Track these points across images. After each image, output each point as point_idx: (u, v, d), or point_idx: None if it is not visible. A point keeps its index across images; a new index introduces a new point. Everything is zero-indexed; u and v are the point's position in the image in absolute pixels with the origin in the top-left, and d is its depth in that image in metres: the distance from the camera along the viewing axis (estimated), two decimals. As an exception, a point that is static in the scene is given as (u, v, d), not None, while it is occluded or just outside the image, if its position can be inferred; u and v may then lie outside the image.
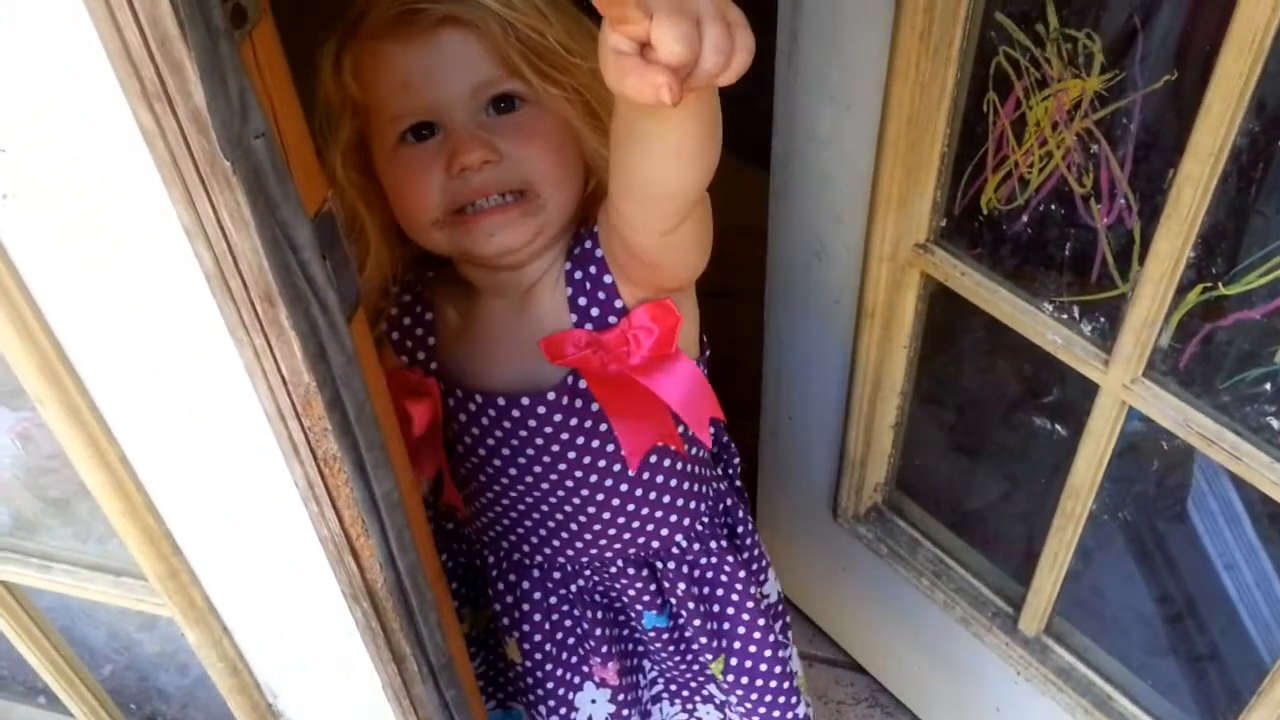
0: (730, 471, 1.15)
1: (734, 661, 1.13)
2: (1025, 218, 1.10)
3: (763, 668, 1.14)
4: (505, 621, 1.10)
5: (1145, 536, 1.43)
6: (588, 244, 0.91)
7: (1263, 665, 1.20)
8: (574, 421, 0.95)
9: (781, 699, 1.16)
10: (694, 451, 1.05)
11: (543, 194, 0.88)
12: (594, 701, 1.15)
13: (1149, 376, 1.06)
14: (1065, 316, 1.11)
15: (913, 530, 1.50)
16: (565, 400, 0.94)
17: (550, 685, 1.13)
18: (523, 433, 0.96)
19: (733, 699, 1.17)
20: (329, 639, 0.77)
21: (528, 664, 1.12)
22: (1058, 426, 1.29)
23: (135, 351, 0.61)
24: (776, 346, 1.48)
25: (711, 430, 1.05)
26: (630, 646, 1.16)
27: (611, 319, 0.90)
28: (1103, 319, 1.08)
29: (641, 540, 1.05)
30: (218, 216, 0.50)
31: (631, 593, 1.08)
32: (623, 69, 0.58)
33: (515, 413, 0.94)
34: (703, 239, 0.85)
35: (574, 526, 1.03)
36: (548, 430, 0.95)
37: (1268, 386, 1.01)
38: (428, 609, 0.75)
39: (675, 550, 1.07)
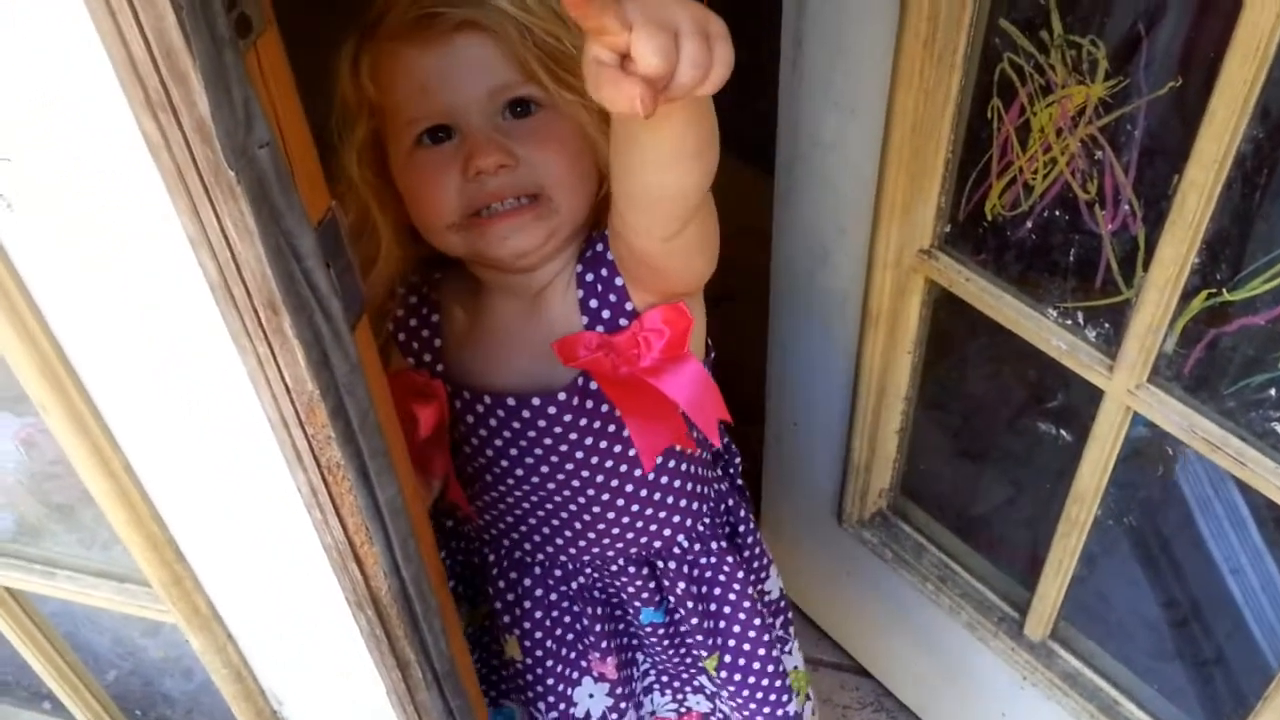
0: (732, 471, 1.15)
1: (727, 659, 1.13)
2: (1030, 223, 1.10)
3: (755, 666, 1.14)
4: (506, 619, 1.11)
5: (1150, 541, 1.43)
6: (599, 247, 0.91)
7: (1269, 670, 1.20)
8: (583, 422, 0.95)
9: (773, 696, 1.17)
10: (698, 452, 1.05)
11: (556, 198, 0.89)
12: (591, 696, 1.15)
13: (1154, 382, 1.05)
14: (1070, 322, 1.11)
15: (918, 535, 1.49)
16: (576, 401, 0.94)
17: (550, 681, 1.13)
18: (532, 433, 0.96)
19: (724, 694, 1.18)
20: (333, 646, 0.78)
21: (528, 661, 1.12)
22: (1062, 432, 1.29)
23: (138, 358, 0.61)
24: (780, 352, 1.48)
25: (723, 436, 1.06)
26: (626, 640, 1.16)
27: (622, 321, 0.91)
28: (1107, 324, 1.08)
29: (644, 540, 1.05)
30: (222, 226, 0.50)
31: (631, 590, 1.09)
32: (601, 78, 0.58)
33: (525, 413, 0.95)
34: (707, 244, 0.85)
35: (578, 525, 1.03)
36: (557, 430, 0.95)
37: (1272, 392, 1.01)
38: (432, 615, 0.75)
39: (677, 550, 1.07)
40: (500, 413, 0.96)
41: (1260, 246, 0.93)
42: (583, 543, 1.05)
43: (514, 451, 0.98)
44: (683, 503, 1.05)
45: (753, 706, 1.17)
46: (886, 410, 1.37)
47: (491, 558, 1.10)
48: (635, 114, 0.57)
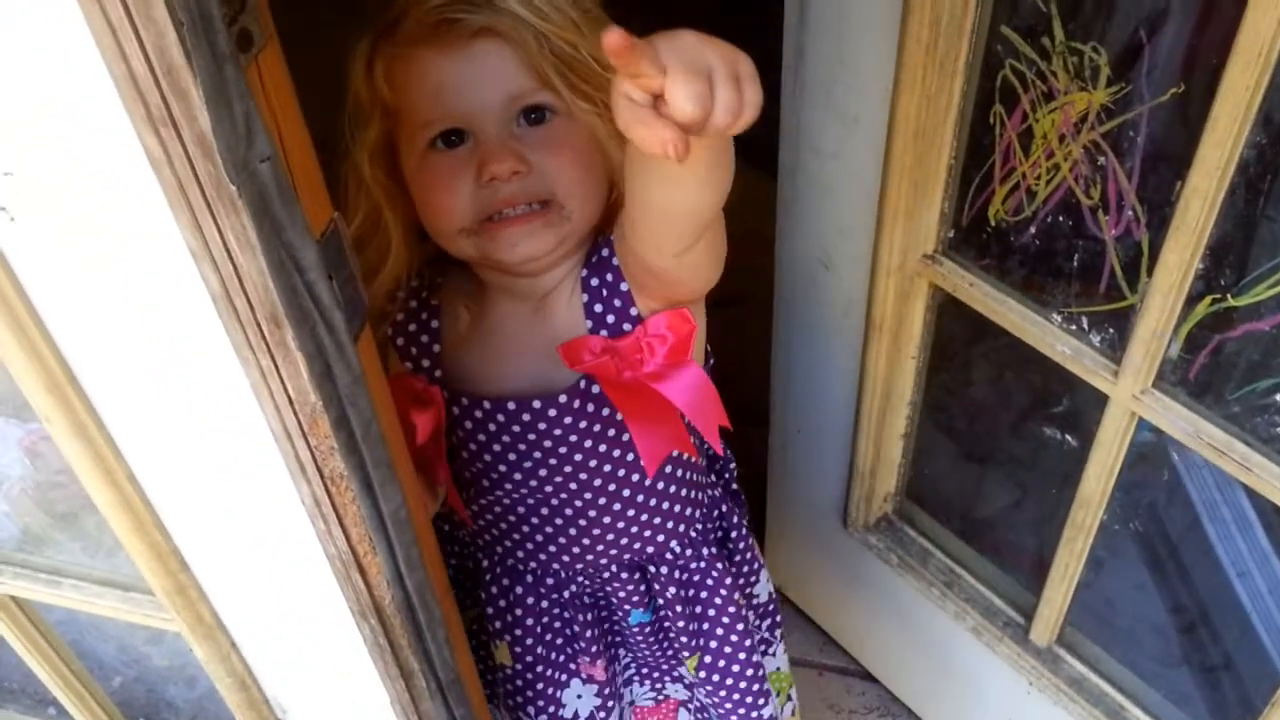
0: (726, 477, 1.15)
1: (708, 659, 1.14)
2: (1033, 229, 1.10)
3: (735, 669, 1.15)
4: (497, 625, 1.11)
5: (1157, 545, 1.43)
6: (605, 251, 0.92)
7: (1276, 674, 1.20)
8: (583, 425, 0.95)
9: (749, 699, 1.17)
10: (696, 459, 1.05)
11: (568, 206, 0.89)
12: (580, 697, 1.16)
13: (1159, 387, 1.05)
14: (1074, 327, 1.11)
15: (923, 540, 1.49)
16: (576, 404, 0.94)
17: (540, 686, 1.13)
18: (531, 436, 0.96)
19: (700, 691, 1.19)
20: (337, 655, 0.78)
21: (517, 667, 1.12)
22: (1067, 437, 1.29)
23: (141, 370, 0.61)
24: (785, 357, 1.48)
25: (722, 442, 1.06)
26: (611, 638, 1.16)
27: (626, 326, 0.91)
28: (1112, 330, 1.08)
29: (638, 545, 1.06)
30: (224, 239, 0.51)
31: (622, 594, 1.09)
32: (633, 118, 0.59)
33: (525, 416, 0.95)
34: (715, 256, 0.86)
35: (572, 531, 1.03)
36: (557, 433, 0.96)
37: (1278, 397, 1.01)
38: (436, 625, 0.75)
39: (669, 556, 1.08)
40: (500, 417, 0.96)
41: (1264, 252, 0.93)
42: (577, 549, 1.05)
43: (512, 456, 0.98)
44: (678, 508, 1.05)
45: (728, 706, 1.18)
46: (891, 415, 1.37)
47: (485, 563, 1.10)
48: (666, 157, 0.58)
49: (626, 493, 1.01)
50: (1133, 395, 1.06)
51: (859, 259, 1.25)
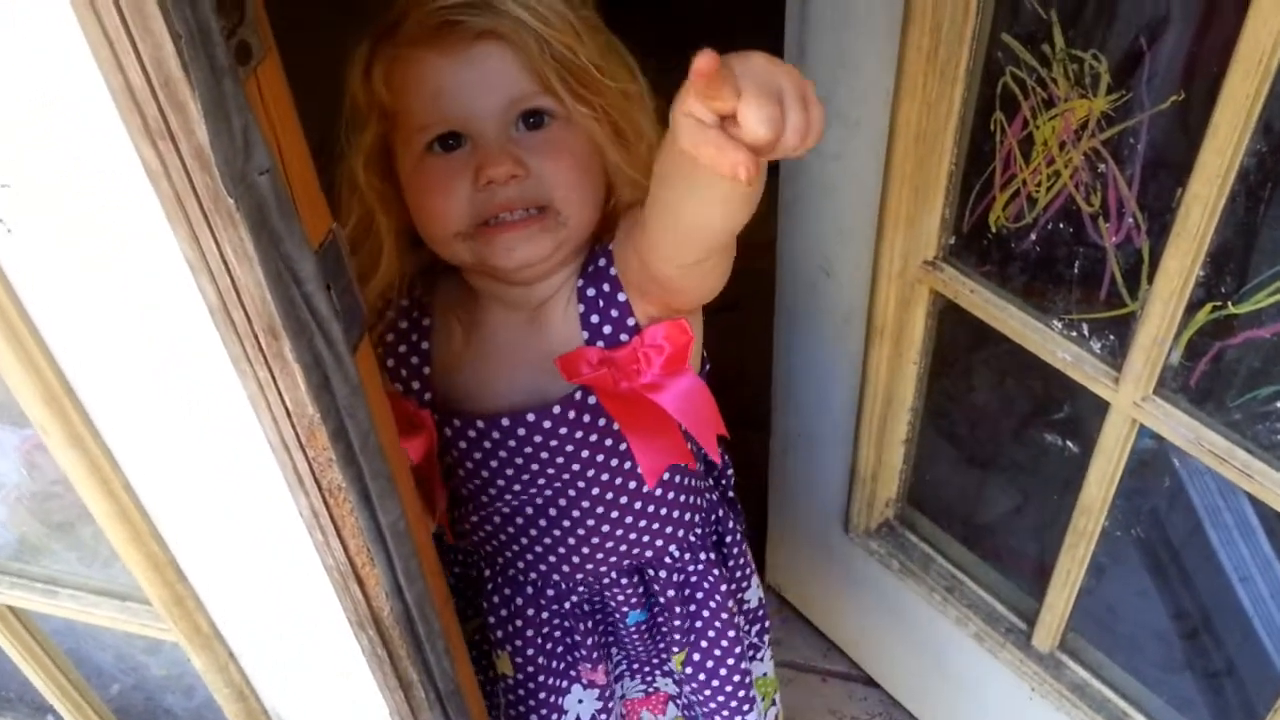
0: (724, 483, 1.15)
1: (696, 657, 1.14)
2: (1034, 236, 1.09)
3: (722, 672, 1.15)
4: (499, 634, 1.11)
5: (1159, 551, 1.42)
6: (601, 261, 0.91)
7: (1278, 680, 1.20)
8: (579, 435, 0.95)
9: (734, 704, 1.17)
10: (694, 465, 1.05)
11: (564, 211, 0.88)
12: (581, 701, 1.16)
13: (1160, 394, 1.05)
14: (1075, 334, 1.10)
15: (925, 545, 1.49)
16: (571, 414, 0.94)
17: (542, 695, 1.13)
18: (528, 449, 0.95)
19: (686, 689, 1.19)
20: (335, 666, 0.77)
21: (519, 676, 1.12)
22: (1068, 443, 1.28)
23: (138, 380, 0.61)
24: (786, 363, 1.48)
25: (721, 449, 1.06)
26: (606, 639, 1.17)
27: (623, 336, 0.91)
28: (1112, 337, 1.07)
29: (637, 551, 1.05)
30: (221, 251, 0.50)
31: (620, 597, 1.09)
32: (702, 139, 0.58)
33: (520, 430, 0.94)
34: (724, 268, 0.86)
35: (571, 541, 1.03)
36: (553, 444, 0.95)
37: (1279, 404, 1.00)
38: (435, 637, 0.75)
39: (668, 559, 1.08)
40: (495, 434, 0.95)
41: (1265, 260, 0.93)
42: (577, 558, 1.04)
43: (509, 470, 0.97)
44: (676, 513, 1.05)
45: (712, 707, 1.18)
46: (892, 420, 1.37)
47: (487, 573, 1.10)
48: (736, 180, 0.58)
49: (624, 500, 1.01)
50: (1134, 402, 1.06)
51: (860, 264, 1.24)
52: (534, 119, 0.87)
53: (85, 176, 0.51)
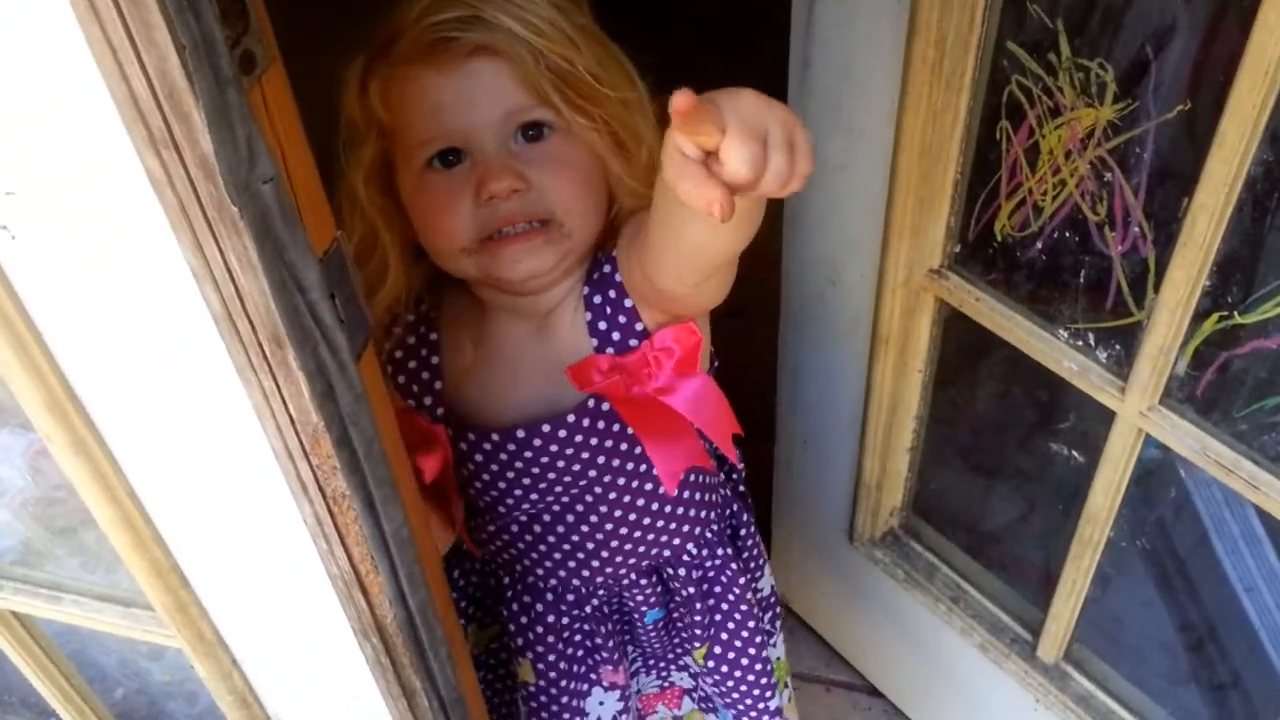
0: (735, 476, 1.15)
1: (717, 650, 1.14)
2: (1039, 244, 1.09)
3: (744, 662, 1.15)
4: (519, 642, 1.11)
5: (1165, 561, 1.42)
6: (606, 268, 0.91)
7: (1284, 694, 1.19)
8: (594, 441, 0.95)
9: (756, 691, 1.18)
10: (709, 464, 1.05)
11: (568, 224, 0.88)
12: (602, 703, 1.16)
13: (1166, 404, 1.05)
14: (1080, 343, 1.10)
15: (929, 554, 1.49)
16: (586, 422, 0.94)
17: (565, 700, 1.13)
18: (544, 459, 0.95)
19: (707, 681, 1.19)
20: (339, 673, 0.77)
21: (541, 683, 1.12)
22: (1074, 453, 1.28)
23: (143, 388, 0.61)
24: (791, 370, 1.48)
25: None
26: (624, 639, 1.17)
27: (632, 342, 0.91)
28: (1118, 346, 1.07)
29: (655, 552, 1.06)
30: (225, 260, 0.50)
31: (640, 597, 1.09)
32: (683, 172, 0.59)
33: (536, 441, 0.94)
34: (729, 281, 0.86)
35: (590, 546, 1.03)
36: (569, 453, 0.95)
37: (1286, 415, 1.00)
38: (438, 645, 0.75)
39: (686, 557, 1.08)
40: (510, 446, 0.95)
41: (1272, 270, 0.93)
42: (596, 563, 1.04)
43: (526, 480, 0.97)
44: (693, 512, 1.05)
45: (736, 696, 1.18)
46: (897, 429, 1.37)
47: (506, 581, 1.10)
48: (710, 216, 0.58)
49: (641, 502, 1.01)
50: (1139, 412, 1.06)
51: (865, 272, 1.24)
52: (533, 131, 0.87)
53: (90, 185, 0.51)
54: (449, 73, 0.85)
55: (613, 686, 1.15)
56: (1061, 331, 1.11)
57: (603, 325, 0.91)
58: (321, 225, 0.57)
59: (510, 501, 0.99)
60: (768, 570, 1.21)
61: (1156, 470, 1.26)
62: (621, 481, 0.98)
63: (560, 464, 0.96)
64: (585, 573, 1.05)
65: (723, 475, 1.12)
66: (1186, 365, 1.02)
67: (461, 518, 1.00)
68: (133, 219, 0.51)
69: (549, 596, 1.08)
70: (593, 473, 0.97)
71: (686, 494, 1.04)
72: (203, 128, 0.45)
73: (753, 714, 1.20)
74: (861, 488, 1.45)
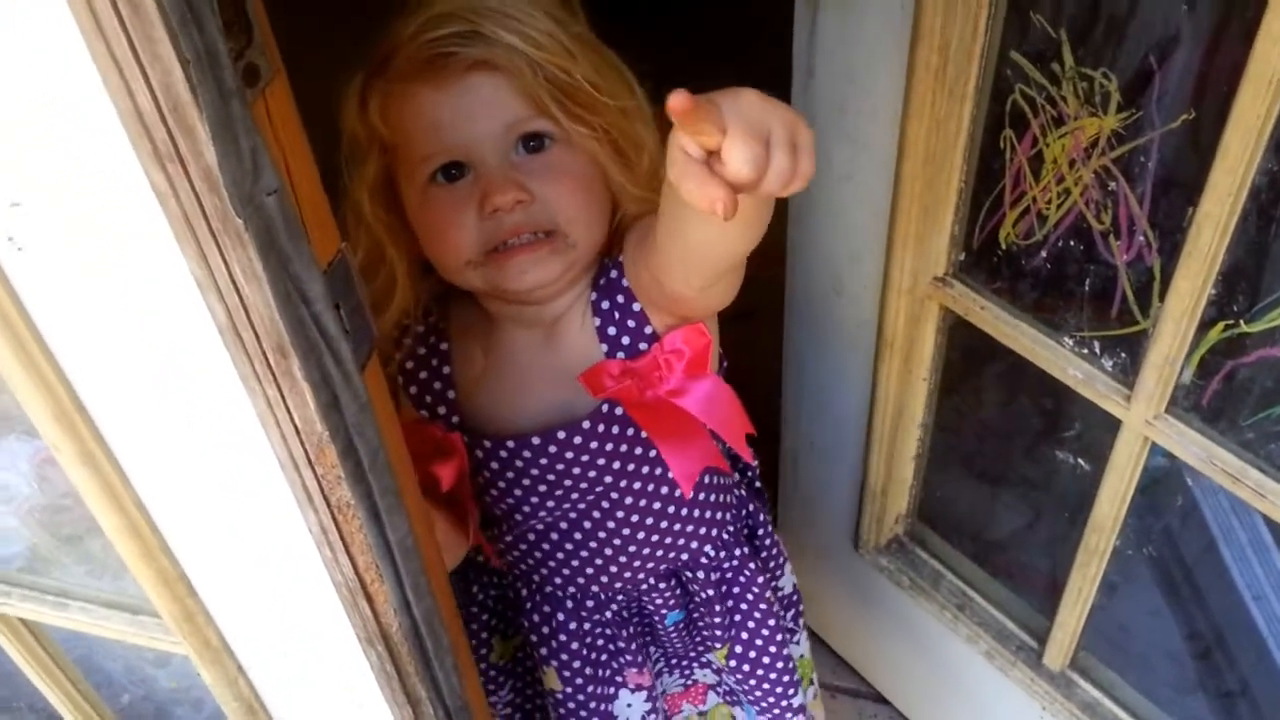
0: (750, 475, 1.15)
1: (739, 650, 1.15)
2: (1044, 253, 1.09)
3: (765, 660, 1.15)
4: (543, 651, 1.11)
5: (1171, 569, 1.41)
6: (613, 274, 0.92)
7: (1291, 702, 1.19)
8: (609, 447, 0.95)
9: (779, 689, 1.18)
10: (724, 465, 1.05)
11: (572, 234, 0.89)
12: (630, 705, 1.16)
13: (1171, 413, 1.05)
14: (1086, 351, 1.10)
15: (935, 562, 1.49)
16: (601, 428, 0.94)
17: (593, 704, 1.14)
18: (560, 466, 0.96)
19: (730, 679, 1.20)
20: (344, 682, 0.78)
21: (568, 690, 1.12)
22: (1080, 461, 1.28)
23: (149, 398, 0.62)
24: (797, 377, 1.48)
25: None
26: (647, 639, 1.17)
27: (642, 345, 0.91)
28: (1124, 354, 1.07)
29: (673, 555, 1.06)
30: (230, 272, 0.51)
31: (659, 600, 1.10)
32: (685, 173, 0.59)
33: (551, 448, 0.95)
34: (737, 283, 0.86)
35: (608, 552, 1.03)
36: (584, 459, 0.95)
37: (1292, 424, 1.00)
38: (444, 653, 0.75)
39: (704, 560, 1.08)
40: (526, 453, 0.95)
41: (1278, 279, 0.93)
42: (614, 568, 1.05)
43: (542, 488, 0.97)
44: (709, 514, 1.06)
45: (759, 694, 1.19)
46: (903, 435, 1.37)
47: (524, 592, 1.10)
48: (713, 214, 0.58)
49: (658, 506, 1.01)
50: (1145, 420, 1.06)
51: (870, 280, 1.24)
52: (534, 142, 0.88)
53: (95, 198, 0.51)
54: (448, 89, 0.85)
55: (639, 688, 1.15)
56: (1066, 340, 1.11)
57: (612, 330, 0.92)
58: (326, 237, 0.57)
59: (526, 509, 0.99)
60: (788, 568, 1.21)
61: (1163, 478, 1.26)
62: (637, 486, 0.98)
63: (576, 470, 0.96)
64: (603, 578, 1.05)
65: (737, 475, 1.12)
66: (1192, 374, 1.02)
67: (477, 527, 1.01)
68: (138, 231, 0.51)
69: (569, 604, 1.08)
70: (608, 478, 0.97)
71: (702, 496, 1.04)
72: (207, 141, 0.46)
73: (775, 711, 1.20)
74: (867, 494, 1.45)
